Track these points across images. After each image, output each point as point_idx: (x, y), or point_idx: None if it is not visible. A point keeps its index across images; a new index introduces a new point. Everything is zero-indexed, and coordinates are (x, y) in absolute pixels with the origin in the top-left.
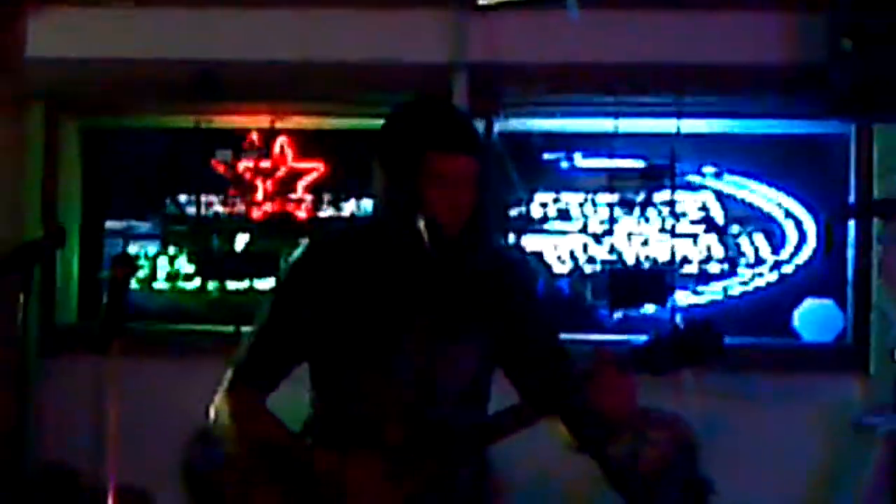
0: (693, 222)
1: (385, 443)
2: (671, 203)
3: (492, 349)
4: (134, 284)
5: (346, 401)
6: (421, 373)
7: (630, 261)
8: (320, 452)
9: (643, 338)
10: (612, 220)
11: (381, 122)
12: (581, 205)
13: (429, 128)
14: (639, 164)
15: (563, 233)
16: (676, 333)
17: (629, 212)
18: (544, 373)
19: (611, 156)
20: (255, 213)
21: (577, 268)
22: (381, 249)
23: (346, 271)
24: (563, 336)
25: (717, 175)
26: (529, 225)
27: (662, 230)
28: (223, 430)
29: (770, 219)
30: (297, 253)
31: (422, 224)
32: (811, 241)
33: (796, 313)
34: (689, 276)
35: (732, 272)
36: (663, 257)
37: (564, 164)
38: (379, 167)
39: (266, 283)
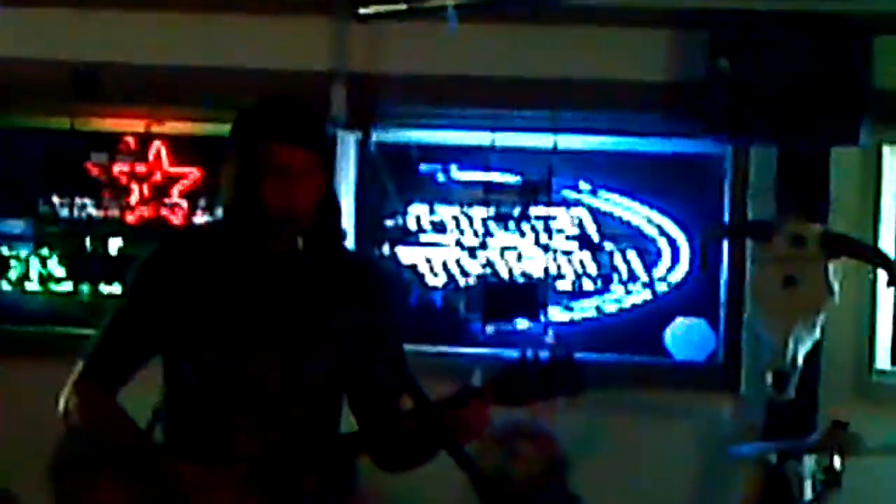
0: (568, 238)
1: (234, 453)
2: (546, 218)
3: (341, 355)
4: (5, 285)
5: (195, 402)
6: (269, 378)
7: (504, 275)
8: (167, 456)
9: (511, 354)
10: (487, 234)
11: None
12: (456, 217)
13: (266, 120)
14: (515, 178)
15: (438, 245)
16: (536, 366)
17: (504, 226)
18: (383, 381)
19: (487, 169)
20: (130, 217)
21: (451, 280)
22: (226, 248)
23: (191, 270)
24: (437, 349)
25: (593, 191)
26: (404, 236)
27: (537, 245)
28: (72, 421)
29: (644, 237)
30: (146, 253)
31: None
32: (684, 260)
33: (668, 332)
34: (563, 291)
35: (606, 289)
36: (537, 272)
37: (440, 177)
38: (225, 164)
39: None
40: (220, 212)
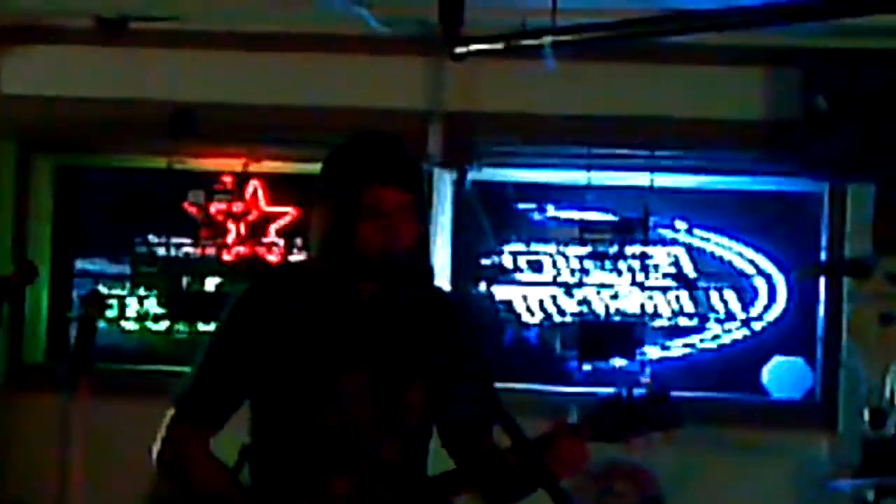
0: (664, 276)
1: (331, 494)
2: (642, 256)
3: (434, 392)
4: (103, 324)
5: (288, 443)
6: (366, 418)
7: (600, 313)
8: (257, 502)
9: (606, 392)
10: (583, 272)
11: None
12: (552, 256)
13: (365, 160)
14: (611, 216)
15: (534, 283)
16: (632, 402)
17: (600, 264)
18: (475, 420)
19: (583, 208)
20: (226, 256)
21: (546, 318)
22: (321, 288)
23: (285, 309)
24: (532, 387)
25: (689, 230)
26: (500, 274)
27: (633, 283)
28: (170, 470)
29: (741, 274)
30: (239, 292)
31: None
32: (781, 298)
33: (765, 370)
34: (659, 329)
35: (702, 327)
36: (633, 310)
37: (536, 215)
38: (317, 204)
39: None
40: (312, 251)
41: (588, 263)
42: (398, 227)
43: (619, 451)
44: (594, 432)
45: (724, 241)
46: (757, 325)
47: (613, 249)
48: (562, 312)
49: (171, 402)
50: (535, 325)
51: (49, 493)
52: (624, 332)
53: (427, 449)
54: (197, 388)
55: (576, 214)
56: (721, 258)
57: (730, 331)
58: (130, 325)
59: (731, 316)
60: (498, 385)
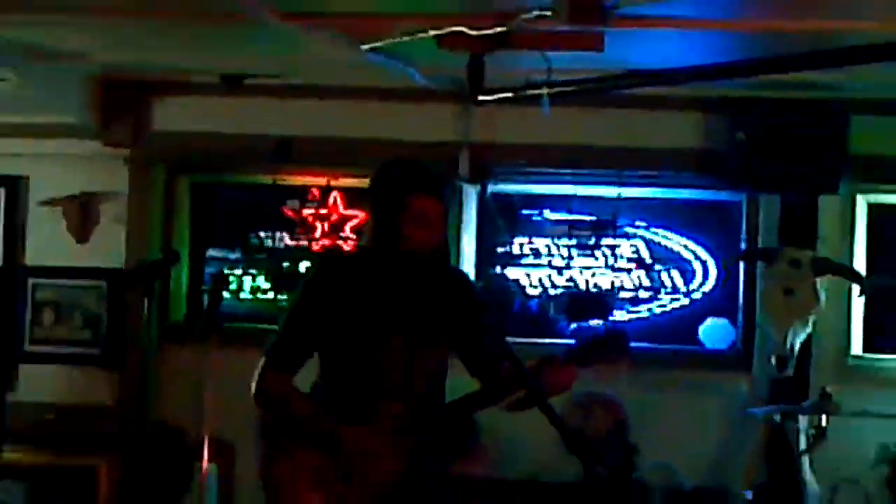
0: (628, 261)
1: (381, 416)
2: (612, 247)
3: (451, 342)
4: (226, 295)
5: (348, 381)
6: (405, 363)
7: (582, 287)
8: (334, 422)
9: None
10: (570, 258)
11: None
12: (548, 246)
13: (409, 177)
14: (590, 218)
15: (534, 266)
16: (598, 337)
17: (582, 252)
18: (488, 359)
19: (569, 212)
20: (314, 247)
21: (543, 291)
22: (373, 268)
23: (344, 285)
24: (533, 341)
25: (646, 228)
26: (511, 260)
27: (606, 266)
28: (263, 402)
29: (683, 260)
30: (310, 270)
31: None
32: (712, 277)
33: (701, 328)
34: (625, 299)
35: (656, 297)
36: (606, 285)
37: (536, 217)
38: (371, 208)
39: None
40: (365, 242)
41: (573, 252)
42: (433, 227)
43: (596, 386)
44: (575, 359)
45: (672, 235)
46: (695, 296)
47: (592, 242)
48: (554, 287)
49: (264, 354)
50: (535, 296)
51: (189, 418)
52: (599, 301)
53: (444, 384)
54: (281, 343)
55: (564, 217)
56: (669, 248)
57: (676, 300)
58: (245, 296)
59: (676, 290)
60: (509, 338)
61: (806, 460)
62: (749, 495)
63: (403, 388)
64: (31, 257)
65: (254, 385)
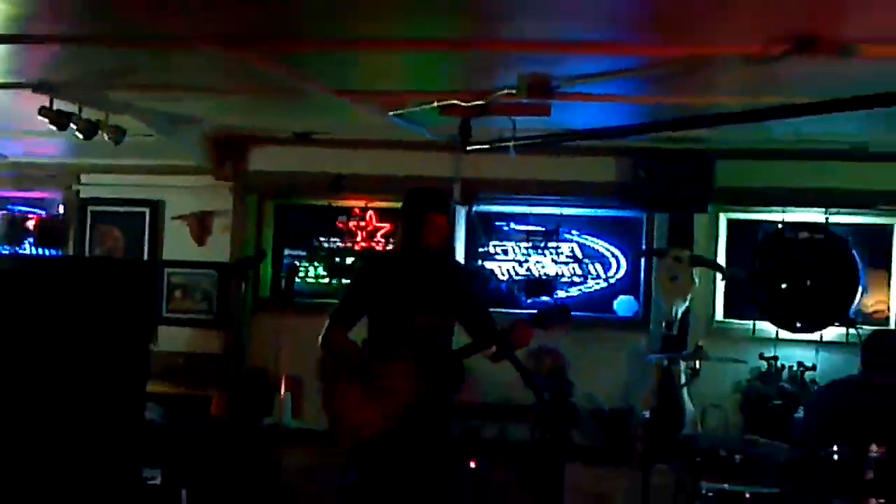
0: (567, 257)
1: (407, 358)
2: (556, 248)
3: (456, 313)
4: (298, 280)
5: (385, 337)
6: (425, 325)
7: (536, 275)
8: (373, 361)
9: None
10: (528, 255)
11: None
12: (513, 247)
13: (429, 200)
14: (541, 228)
15: (504, 260)
16: (549, 308)
17: (536, 251)
18: (477, 323)
19: (528, 224)
20: (356, 248)
21: (510, 278)
22: (403, 261)
23: (383, 272)
24: (501, 310)
25: (580, 235)
26: (488, 256)
27: (553, 261)
28: (326, 347)
29: (604, 256)
30: (361, 261)
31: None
32: (623, 268)
33: (615, 302)
34: (564, 282)
35: (585, 281)
36: (552, 273)
37: (506, 228)
38: (401, 220)
39: None
40: (393, 244)
41: (530, 251)
42: (443, 233)
43: (545, 341)
44: (534, 322)
45: (597, 240)
46: (611, 281)
47: (542, 244)
48: (517, 274)
49: (329, 317)
50: (504, 281)
51: (272, 363)
52: (548, 284)
53: (451, 339)
54: (340, 309)
55: (524, 227)
56: (595, 248)
57: (598, 283)
58: (310, 280)
59: (598, 276)
60: (490, 309)
61: (685, 391)
62: (647, 415)
63: (425, 341)
64: (167, 254)
65: (321, 336)
